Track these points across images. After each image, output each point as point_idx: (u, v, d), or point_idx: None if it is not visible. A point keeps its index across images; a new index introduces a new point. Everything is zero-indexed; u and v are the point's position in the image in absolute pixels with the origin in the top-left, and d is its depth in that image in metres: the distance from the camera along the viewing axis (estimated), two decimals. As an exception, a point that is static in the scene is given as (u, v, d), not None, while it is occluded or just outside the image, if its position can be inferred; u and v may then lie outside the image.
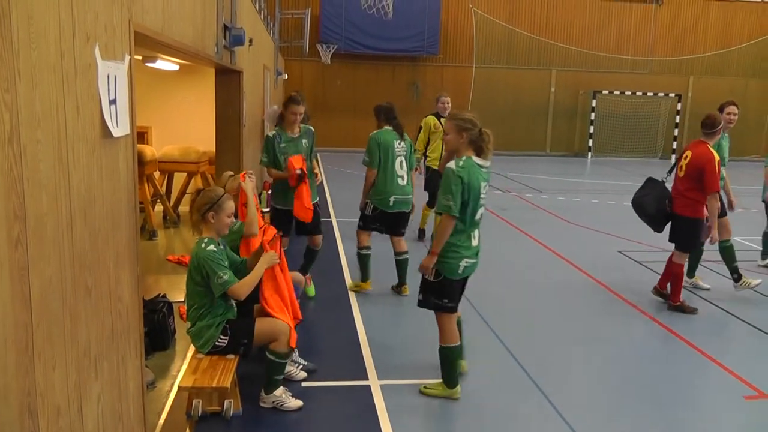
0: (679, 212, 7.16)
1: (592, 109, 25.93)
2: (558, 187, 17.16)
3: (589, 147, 26.17)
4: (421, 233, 10.05)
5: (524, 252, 9.79)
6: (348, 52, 23.59)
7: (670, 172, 7.57)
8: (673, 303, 7.35)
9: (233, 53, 7.27)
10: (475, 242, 4.75)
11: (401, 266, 7.37)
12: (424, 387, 5.07)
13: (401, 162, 7.11)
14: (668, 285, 7.46)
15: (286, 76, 20.78)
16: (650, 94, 26.40)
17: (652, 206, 7.31)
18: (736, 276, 7.94)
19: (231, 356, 4.45)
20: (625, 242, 10.70)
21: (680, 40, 26.80)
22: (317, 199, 6.92)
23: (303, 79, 23.37)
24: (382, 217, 7.17)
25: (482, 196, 4.64)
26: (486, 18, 24.81)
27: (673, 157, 26.62)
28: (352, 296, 7.37)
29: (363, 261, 7.39)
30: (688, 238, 7.19)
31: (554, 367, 5.74)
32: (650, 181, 7.54)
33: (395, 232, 7.32)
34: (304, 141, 6.68)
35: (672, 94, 26.67)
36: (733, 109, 7.88)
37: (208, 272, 4.25)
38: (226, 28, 6.74)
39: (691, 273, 8.27)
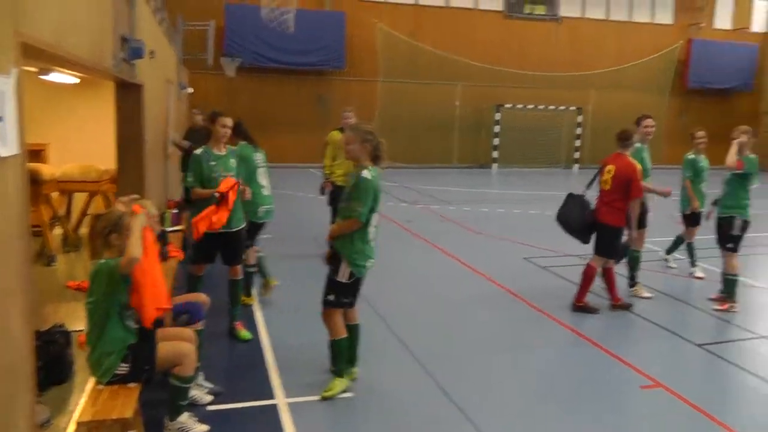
0: (604, 220, 7.61)
1: (497, 122, 26.59)
2: (465, 198, 17.45)
3: (495, 158, 26.79)
4: None
5: (434, 263, 9.88)
6: (253, 66, 23.27)
7: (589, 185, 7.95)
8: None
9: (133, 66, 7.04)
10: (372, 244, 5.19)
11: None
12: (324, 393, 5.21)
13: (263, 172, 7.23)
14: (614, 291, 7.88)
15: (191, 90, 20.33)
16: (552, 107, 27.33)
17: (576, 221, 7.76)
18: (632, 282, 8.58)
19: (133, 384, 4.25)
20: (530, 249, 11.01)
21: (579, 57, 27.88)
22: (243, 224, 6.58)
23: (208, 92, 22.92)
24: (250, 229, 7.04)
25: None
26: (390, 33, 25.08)
27: (576, 166, 27.66)
28: (256, 311, 7.31)
29: (250, 278, 7.46)
30: (609, 244, 7.67)
31: (466, 375, 5.81)
32: (571, 197, 7.95)
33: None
34: (232, 160, 6.47)
35: (573, 108, 27.68)
36: (649, 122, 8.50)
37: (103, 274, 4.04)
38: (124, 39, 6.53)
39: (632, 282, 8.66)
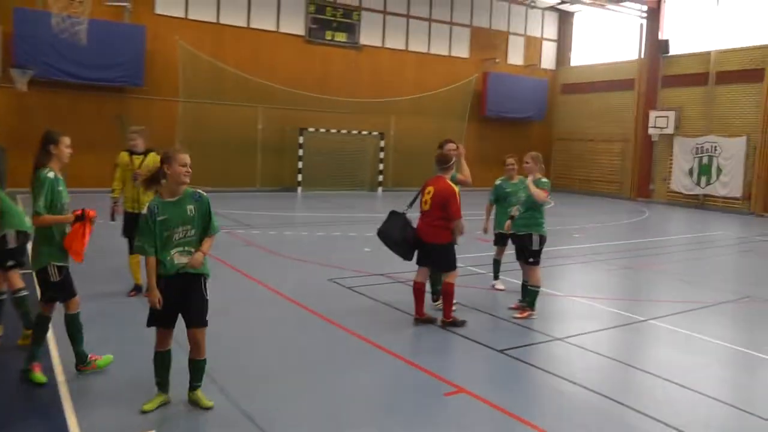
0: (432, 241, 7.90)
1: (300, 146, 26.57)
2: (269, 221, 17.20)
3: (299, 182, 26.74)
4: (139, 289, 8.83)
5: (238, 288, 9.55)
6: (47, 79, 21.26)
7: (410, 205, 8.21)
8: (446, 320, 7.95)
9: None
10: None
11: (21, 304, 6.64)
12: (143, 407, 5.15)
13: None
14: (449, 308, 8.01)
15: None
16: (355, 132, 27.81)
17: (397, 235, 7.98)
18: (435, 297, 8.86)
19: None
20: (334, 270, 10.96)
21: (381, 84, 28.70)
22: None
23: (-7, 107, 20.69)
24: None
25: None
26: (192, 52, 24.31)
27: (379, 189, 28.30)
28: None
29: (23, 304, 6.68)
30: (448, 259, 7.96)
31: (271, 397, 5.60)
32: (393, 214, 8.16)
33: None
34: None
35: (376, 132, 28.36)
36: (451, 146, 8.74)
37: None
38: None
39: (436, 297, 8.88)
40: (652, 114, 29.31)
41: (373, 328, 7.76)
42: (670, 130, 28.77)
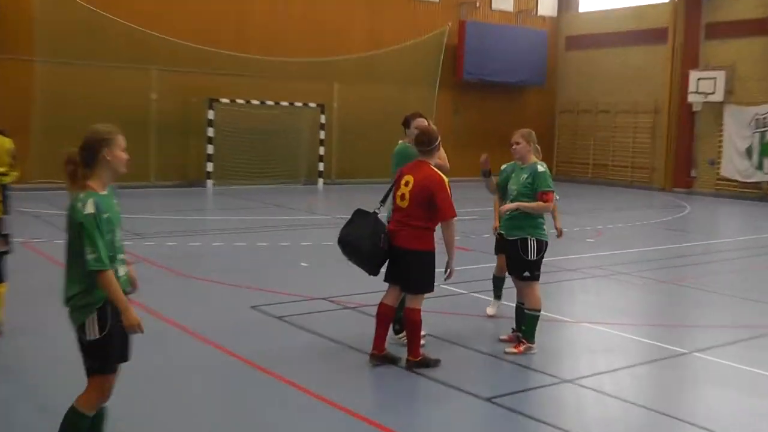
0: (409, 247, 7.82)
1: (210, 123, 26.37)
2: (169, 229, 17.12)
3: (209, 173, 26.52)
4: None
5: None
6: None
7: (383, 201, 8.21)
8: (413, 359, 7.90)
9: None
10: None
11: None
12: None
13: None
14: (417, 344, 8.00)
15: None
16: (286, 104, 27.68)
17: (366, 244, 7.88)
18: (398, 328, 8.86)
19: None
20: (260, 294, 10.95)
21: (320, 39, 28.68)
22: None
23: None
24: None
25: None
26: (53, -9, 23.93)
27: (321, 182, 28.24)
28: None
29: None
30: (426, 274, 7.89)
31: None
32: (359, 215, 8.12)
33: None
34: None
35: (313, 105, 28.30)
36: (421, 122, 8.72)
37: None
38: None
39: (400, 327, 8.83)
40: (693, 75, 29.77)
41: (315, 374, 7.67)
42: (718, 97, 29.22)
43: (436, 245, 7.93)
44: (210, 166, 26.60)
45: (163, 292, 10.97)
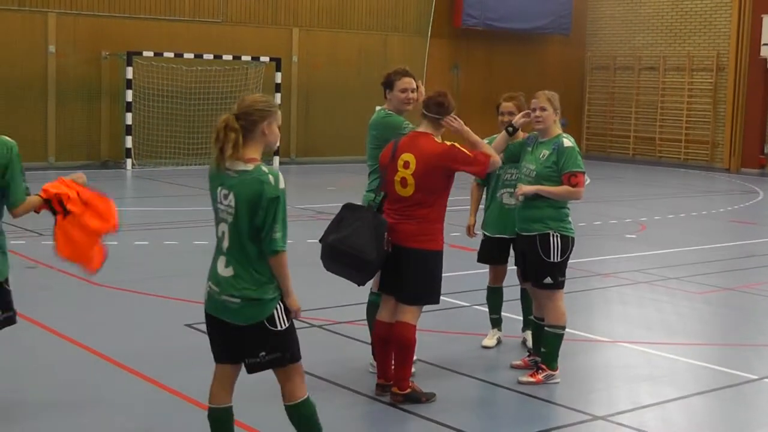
0: (408, 244, 7.86)
1: (129, 85, 26.31)
2: (74, 223, 16.95)
3: (128, 151, 26.48)
4: None
5: (26, 352, 9.33)
6: None
7: (380, 191, 8.12)
8: (401, 392, 7.93)
9: None
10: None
11: None
12: None
13: None
14: (408, 370, 8.09)
15: None
16: (228, 57, 27.62)
17: (369, 252, 7.76)
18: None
19: None
20: (196, 309, 10.76)
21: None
22: None
23: None
24: None
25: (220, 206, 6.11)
26: None
27: (277, 160, 28.10)
28: None
29: None
30: (427, 281, 7.98)
31: None
32: (351, 210, 8.09)
33: None
34: None
35: (265, 59, 28.24)
36: (407, 82, 8.67)
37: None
38: None
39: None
40: (768, 21, 29.88)
41: (268, 415, 7.55)
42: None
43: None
44: (129, 141, 26.58)
45: (67, 306, 11.10)
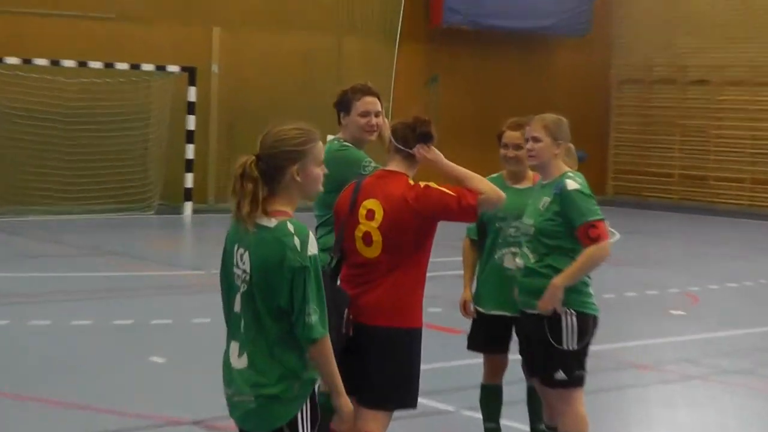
0: (374, 321, 7.72)
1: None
2: None
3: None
4: None
5: None
6: None
7: (338, 247, 8.02)
8: None
9: None
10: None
11: None
12: None
13: None
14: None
15: None
16: (125, 66, 27.74)
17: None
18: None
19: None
20: (88, 417, 11.03)
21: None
22: None
23: None
24: None
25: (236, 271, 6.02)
26: None
27: (189, 206, 28.17)
28: None
29: None
30: (401, 375, 7.86)
31: None
32: None
33: None
34: None
35: (175, 69, 28.35)
36: (369, 102, 8.60)
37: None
38: None
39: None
40: None
41: None
42: None
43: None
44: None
45: None
